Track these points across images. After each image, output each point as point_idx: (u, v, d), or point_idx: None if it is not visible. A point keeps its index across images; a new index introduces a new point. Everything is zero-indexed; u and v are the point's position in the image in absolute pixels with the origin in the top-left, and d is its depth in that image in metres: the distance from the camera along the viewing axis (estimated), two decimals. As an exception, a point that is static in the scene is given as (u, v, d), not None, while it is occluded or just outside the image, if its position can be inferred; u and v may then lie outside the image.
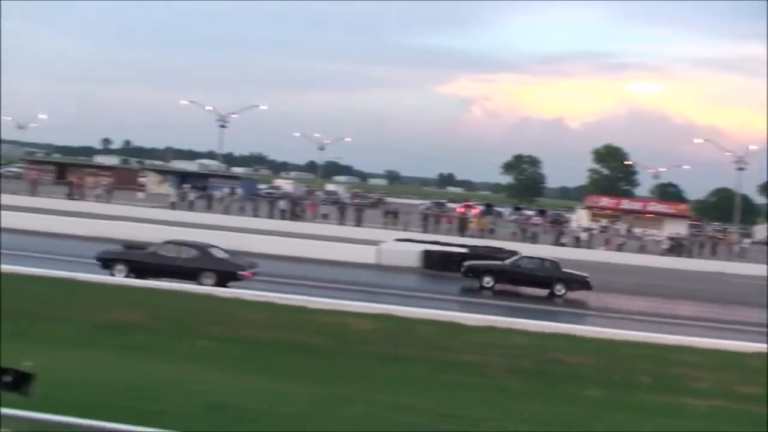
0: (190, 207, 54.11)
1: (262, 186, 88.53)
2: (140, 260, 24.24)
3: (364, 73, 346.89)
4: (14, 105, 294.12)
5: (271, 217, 51.91)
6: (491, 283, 28.74)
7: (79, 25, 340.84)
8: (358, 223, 52.31)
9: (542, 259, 29.98)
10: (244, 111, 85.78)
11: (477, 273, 29.22)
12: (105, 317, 16.65)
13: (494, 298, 27.51)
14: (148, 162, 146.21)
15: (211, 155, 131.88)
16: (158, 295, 19.12)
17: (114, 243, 32.75)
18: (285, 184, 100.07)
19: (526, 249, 38.22)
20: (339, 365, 14.25)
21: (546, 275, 28.66)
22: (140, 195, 63.90)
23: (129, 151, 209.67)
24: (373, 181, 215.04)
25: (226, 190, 66.34)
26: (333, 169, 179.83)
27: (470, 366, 14.91)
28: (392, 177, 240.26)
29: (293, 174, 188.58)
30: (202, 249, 24.52)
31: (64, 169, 78.60)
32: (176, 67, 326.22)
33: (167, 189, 65.85)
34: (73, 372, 11.49)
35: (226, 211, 53.36)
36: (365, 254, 34.57)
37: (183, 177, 77.12)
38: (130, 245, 26.59)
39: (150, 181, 74.28)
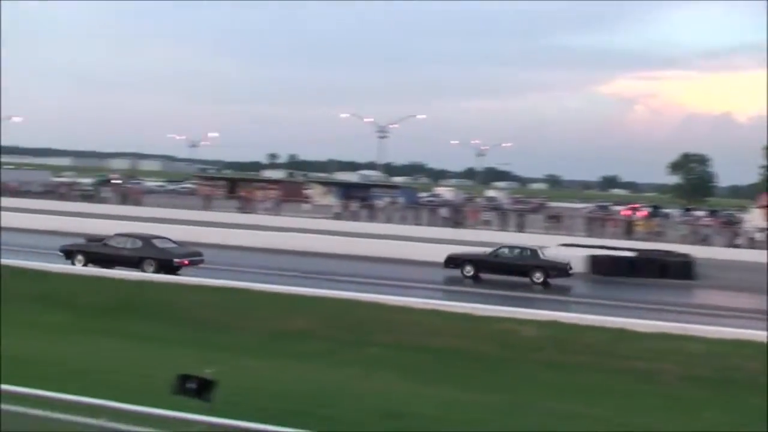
0: (354, 217, 55.26)
1: (422, 194, 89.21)
2: (94, 251, 26.44)
3: (520, 77, 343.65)
4: (187, 125, 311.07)
5: (432, 224, 52.25)
6: (471, 272, 29.31)
7: (243, 47, 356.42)
8: (520, 228, 51.75)
9: (521, 248, 30.05)
10: (403, 121, 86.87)
11: (458, 263, 29.72)
12: (279, 325, 17.26)
13: (661, 303, 26.46)
14: (312, 174, 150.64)
15: (371, 166, 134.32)
16: (328, 303, 19.62)
17: (285, 254, 34.01)
18: (445, 192, 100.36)
19: (697, 252, 36.58)
20: (508, 373, 14.15)
21: (524, 263, 28.87)
22: (306, 207, 65.79)
23: (294, 164, 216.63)
24: (533, 186, 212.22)
25: (388, 200, 67.33)
26: (492, 175, 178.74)
27: (642, 373, 14.44)
28: (553, 181, 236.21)
29: (452, 181, 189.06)
30: (146, 240, 26.45)
31: (235, 184, 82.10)
32: (336, 82, 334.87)
33: (331, 200, 67.59)
34: (251, 379, 11.96)
35: (389, 220, 54.14)
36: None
37: (345, 188, 78.90)
38: (91, 239, 28.85)
39: (315, 192, 76.42)
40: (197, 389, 7.26)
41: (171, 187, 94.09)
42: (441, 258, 32.90)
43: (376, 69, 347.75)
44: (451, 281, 28.08)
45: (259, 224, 46.29)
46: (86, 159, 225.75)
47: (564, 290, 27.79)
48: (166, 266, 25.41)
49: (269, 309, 18.78)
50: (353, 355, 14.89)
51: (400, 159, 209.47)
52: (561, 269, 28.86)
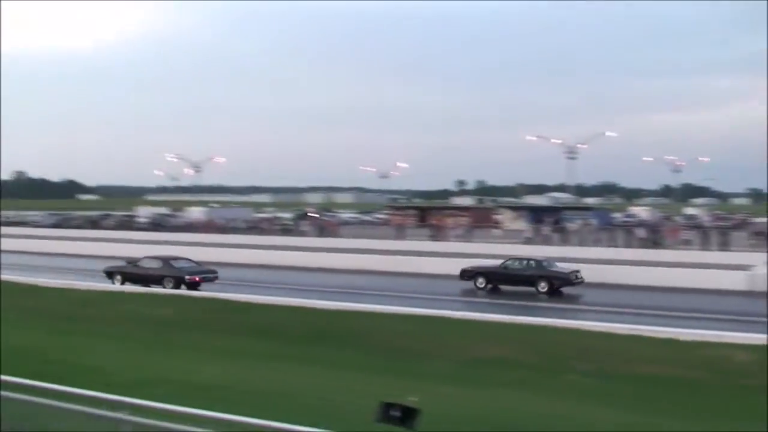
0: (545, 241, 54.28)
1: (616, 215, 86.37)
2: (129, 272, 31.41)
3: (712, 86, 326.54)
4: (377, 157, 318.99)
5: (628, 246, 50.35)
6: (484, 284, 31.32)
7: (428, 75, 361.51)
8: (723, 247, 48.85)
9: (528, 260, 31.62)
10: (592, 140, 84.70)
11: (471, 276, 31.84)
12: (474, 353, 17.08)
13: None
14: (501, 200, 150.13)
15: (561, 188, 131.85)
16: (523, 329, 19.25)
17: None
18: (640, 211, 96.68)
19: None
20: (723, 401, 13.21)
21: (530, 274, 30.39)
22: (496, 232, 65.40)
23: (482, 190, 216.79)
24: (734, 201, 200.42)
25: (580, 222, 65.68)
26: (689, 192, 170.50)
27: None
28: (756, 195, 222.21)
29: (647, 200, 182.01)
30: (165, 261, 31.26)
31: (425, 212, 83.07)
32: (521, 104, 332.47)
33: (521, 224, 66.83)
34: (450, 407, 11.84)
35: (582, 243, 52.74)
36: (734, 280, 32.11)
37: (535, 212, 77.77)
38: (129, 261, 33.15)
39: (505, 218, 75.89)
40: (401, 417, 7.20)
41: (364, 218, 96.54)
42: (637, 281, 31.55)
43: (559, 88, 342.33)
44: (647, 305, 26.80)
45: (451, 251, 46.42)
46: (285, 195, 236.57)
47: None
48: (180, 283, 29.64)
49: (464, 336, 18.65)
50: (551, 383, 14.44)
51: (590, 179, 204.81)
52: (564, 279, 30.05)
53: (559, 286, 29.85)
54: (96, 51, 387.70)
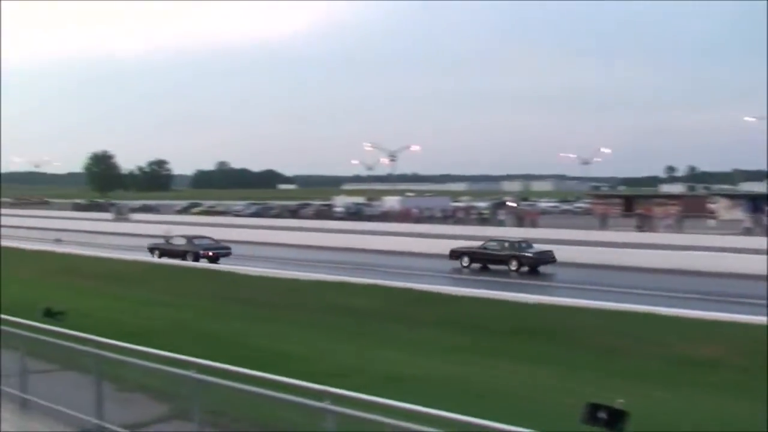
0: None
1: None
2: (162, 248, 38.16)
3: None
4: (577, 143, 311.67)
5: None
6: (467, 263, 35.94)
7: (632, 51, 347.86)
8: None
9: (503, 241, 36.23)
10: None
11: (457, 256, 36.63)
12: (683, 352, 16.39)
13: None
14: (715, 187, 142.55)
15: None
16: (739, 328, 18.23)
17: (689, 275, 32.59)
18: None
19: None
20: None
21: (505, 254, 34.78)
22: (711, 222, 62.30)
23: (694, 177, 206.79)
24: None
25: (808, 211, 61.07)
26: None
27: None
28: None
29: None
30: (189, 239, 38.67)
31: (631, 201, 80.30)
32: (737, 81, 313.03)
33: (738, 214, 63.16)
34: (660, 411, 11.47)
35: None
36: None
37: (755, 200, 73.22)
38: (166, 239, 39.76)
39: (720, 207, 72.02)
40: (608, 420, 7.07)
41: (564, 207, 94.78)
42: None
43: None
44: None
45: (659, 243, 44.68)
46: (480, 183, 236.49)
47: None
48: (198, 257, 36.74)
49: (671, 334, 17.94)
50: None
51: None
52: (535, 260, 34.43)
53: (526, 264, 34.17)
54: (292, 40, 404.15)
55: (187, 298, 25.17)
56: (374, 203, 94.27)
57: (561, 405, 10.75)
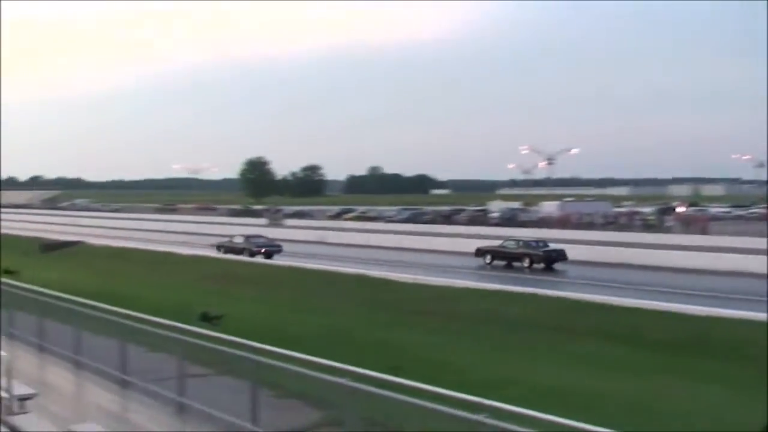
0: None
1: None
2: (227, 245, 46.20)
3: None
4: (752, 143, 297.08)
5: None
6: (489, 260, 41.98)
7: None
8: None
9: (518, 241, 42.52)
10: None
11: (482, 253, 42.71)
12: None
13: None
14: None
15: None
16: None
17: None
18: None
19: None
20: None
21: (520, 253, 40.72)
22: None
23: None
24: None
25: None
26: None
27: None
28: None
29: None
30: (247, 238, 47.17)
31: (814, 206, 75.53)
32: None
33: None
34: None
35: None
36: None
37: None
38: (229, 239, 48.27)
39: None
40: None
41: (737, 212, 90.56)
42: None
43: None
44: None
45: None
46: (644, 187, 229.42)
47: None
48: (253, 253, 44.42)
49: None
50: None
51: None
52: (545, 258, 39.80)
53: (537, 262, 39.66)
54: (444, 41, 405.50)
55: (339, 304, 25.61)
56: (531, 208, 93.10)
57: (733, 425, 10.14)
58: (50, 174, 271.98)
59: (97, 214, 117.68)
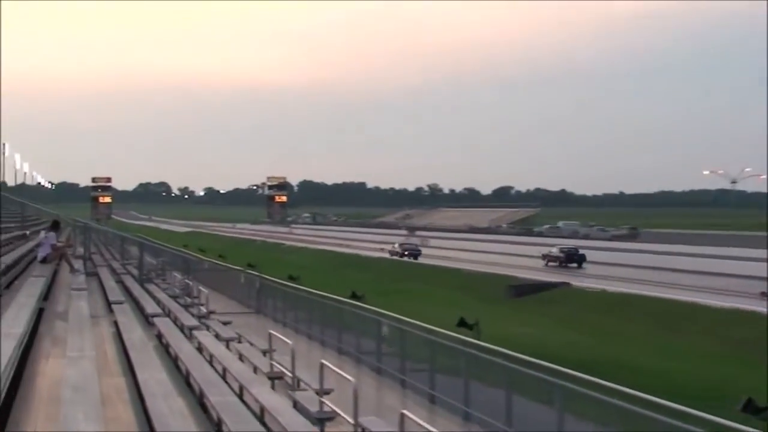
0: None
1: None
2: (397, 250, 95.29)
3: None
4: None
5: None
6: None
7: None
8: None
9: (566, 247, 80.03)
10: None
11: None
12: None
13: None
14: None
15: None
16: None
17: None
18: None
19: None
20: None
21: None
22: None
23: None
24: None
25: None
26: None
27: None
28: None
29: None
30: (402, 244, 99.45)
31: None
32: None
33: None
34: None
35: None
36: None
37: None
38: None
39: None
40: None
41: None
42: None
43: None
44: None
45: None
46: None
47: None
48: (401, 256, 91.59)
49: None
50: None
51: None
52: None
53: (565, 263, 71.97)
54: None
55: None
56: None
57: None
58: (523, 185, 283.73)
59: (592, 242, 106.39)
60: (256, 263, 53.42)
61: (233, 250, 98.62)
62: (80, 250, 27.78)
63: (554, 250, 79.35)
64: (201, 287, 27.22)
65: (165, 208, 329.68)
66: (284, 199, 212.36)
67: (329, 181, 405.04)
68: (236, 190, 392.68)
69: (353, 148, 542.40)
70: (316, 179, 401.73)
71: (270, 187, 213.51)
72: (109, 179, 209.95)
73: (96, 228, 44.34)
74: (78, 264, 24.85)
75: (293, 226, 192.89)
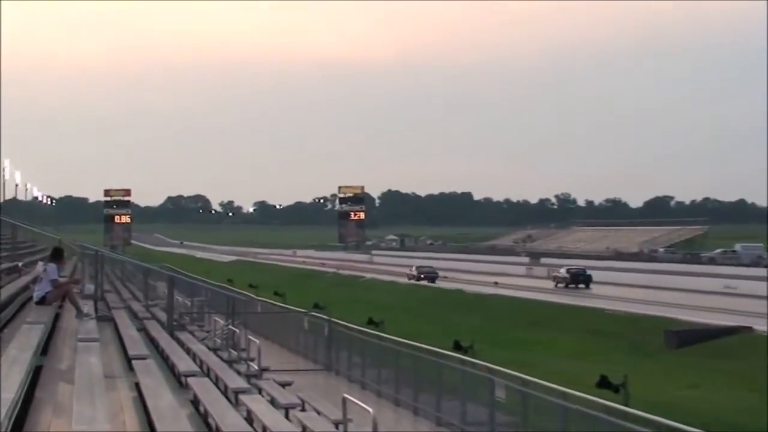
0: None
1: None
2: (413, 274, 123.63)
3: None
4: None
5: None
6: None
7: None
8: None
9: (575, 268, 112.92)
10: None
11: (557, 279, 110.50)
12: None
13: None
14: None
15: None
16: None
17: None
18: None
19: None
20: None
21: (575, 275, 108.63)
22: None
23: None
24: None
25: None
26: None
27: None
28: None
29: None
30: (419, 266, 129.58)
31: None
32: None
33: None
34: None
35: None
36: None
37: None
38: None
39: None
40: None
41: None
42: None
43: None
44: None
45: None
46: None
47: None
48: (419, 279, 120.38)
49: None
50: None
51: None
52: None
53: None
54: None
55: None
56: None
57: None
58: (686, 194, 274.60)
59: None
60: (325, 303, 53.50)
61: (294, 285, 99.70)
62: (90, 288, 27.67)
63: (562, 271, 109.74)
64: (251, 336, 27.28)
65: (202, 229, 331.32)
66: (361, 216, 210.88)
67: (422, 192, 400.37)
68: (297, 205, 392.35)
69: (454, 147, 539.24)
70: (404, 189, 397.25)
71: (342, 201, 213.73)
72: (127, 192, 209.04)
73: (111, 257, 44.56)
74: (87, 306, 24.56)
75: (374, 252, 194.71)
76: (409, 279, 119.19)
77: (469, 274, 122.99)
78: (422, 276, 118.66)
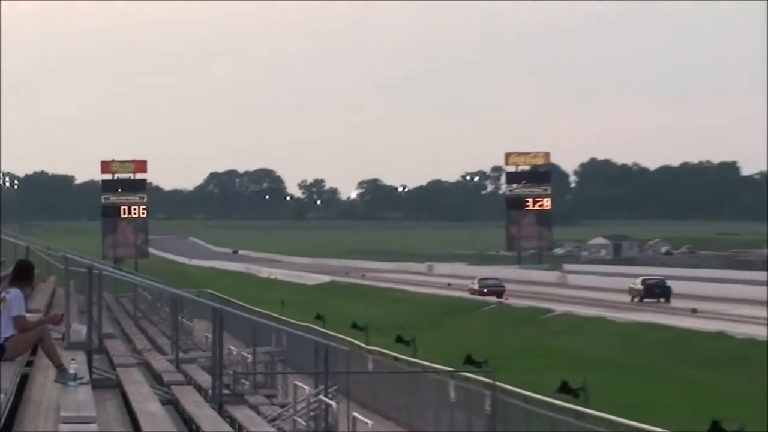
0: None
1: None
2: (474, 289, 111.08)
3: None
4: None
5: None
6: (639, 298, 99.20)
7: None
8: None
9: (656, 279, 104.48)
10: None
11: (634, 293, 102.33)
12: None
13: None
14: None
15: None
16: None
17: None
18: None
19: None
20: None
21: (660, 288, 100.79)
22: None
23: None
24: None
25: None
26: None
27: None
28: None
29: None
30: (480, 279, 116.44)
31: None
32: None
33: None
34: None
35: None
36: None
37: None
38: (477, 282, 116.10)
39: None
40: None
41: None
42: None
43: None
44: None
45: None
46: None
47: None
48: (482, 294, 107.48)
49: None
50: None
51: None
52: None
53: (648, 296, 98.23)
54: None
55: None
56: None
57: None
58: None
59: None
60: (486, 357, 37.16)
61: (431, 326, 79.79)
62: (79, 330, 19.01)
63: (637, 282, 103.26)
64: (357, 413, 20.11)
65: (270, 228, 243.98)
66: (546, 204, 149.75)
67: (647, 162, 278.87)
68: (432, 186, 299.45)
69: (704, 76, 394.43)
70: (617, 158, 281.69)
71: (513, 178, 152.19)
72: (141, 165, 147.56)
73: (114, 277, 32.13)
74: (76, 361, 15.78)
75: (568, 268, 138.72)
76: (471, 294, 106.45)
77: (735, 304, 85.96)
78: (485, 290, 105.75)
